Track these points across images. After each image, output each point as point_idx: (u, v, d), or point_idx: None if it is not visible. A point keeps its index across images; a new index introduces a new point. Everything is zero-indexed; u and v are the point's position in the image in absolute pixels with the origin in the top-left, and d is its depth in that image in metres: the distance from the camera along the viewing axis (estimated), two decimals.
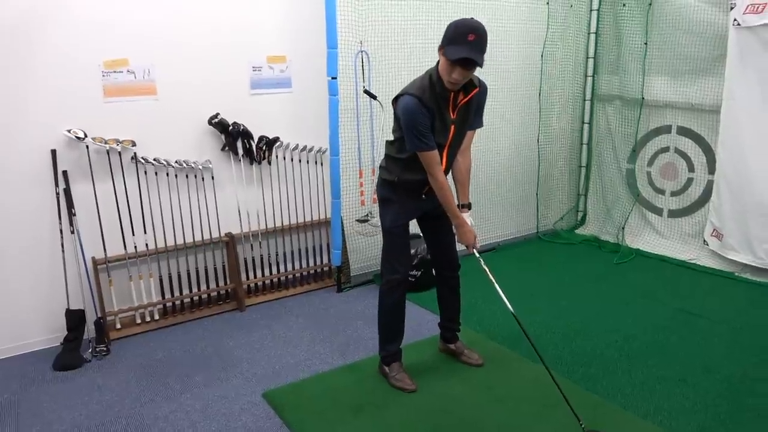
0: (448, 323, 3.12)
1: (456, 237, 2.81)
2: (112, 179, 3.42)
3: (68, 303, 3.34)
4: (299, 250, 4.20)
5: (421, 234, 3.04)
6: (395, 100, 2.61)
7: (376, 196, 4.08)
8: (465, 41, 2.34)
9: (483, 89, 2.66)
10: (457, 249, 2.97)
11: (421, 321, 3.56)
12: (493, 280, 2.72)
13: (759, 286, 4.01)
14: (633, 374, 2.95)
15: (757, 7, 3.80)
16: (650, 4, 4.46)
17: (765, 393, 2.74)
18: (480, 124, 2.77)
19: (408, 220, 2.83)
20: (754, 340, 3.26)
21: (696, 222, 4.60)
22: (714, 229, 4.37)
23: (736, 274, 4.21)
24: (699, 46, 4.29)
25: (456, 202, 2.73)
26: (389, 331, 2.91)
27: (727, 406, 2.65)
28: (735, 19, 3.92)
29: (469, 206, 2.82)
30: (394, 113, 2.63)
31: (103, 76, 3.33)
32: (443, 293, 3.08)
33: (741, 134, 4.05)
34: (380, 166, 2.85)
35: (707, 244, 4.45)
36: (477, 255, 2.76)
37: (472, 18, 2.44)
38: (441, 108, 2.54)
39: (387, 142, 2.80)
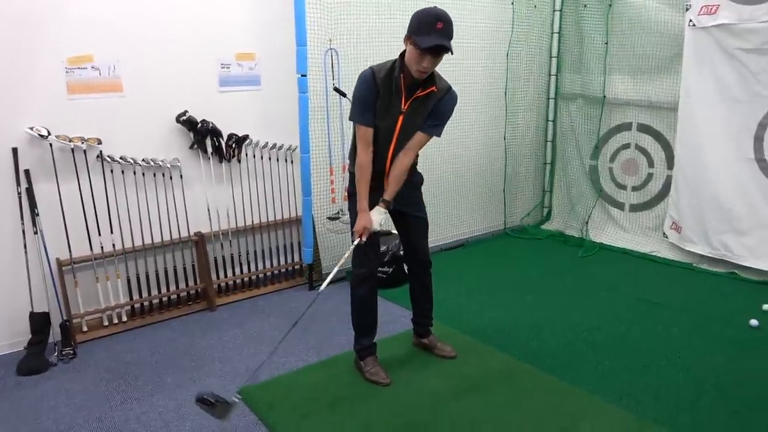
0: (421, 318, 3.16)
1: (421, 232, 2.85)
2: (77, 178, 3.34)
3: (32, 306, 3.25)
4: (270, 249, 4.18)
5: (396, 231, 3.07)
6: None
7: (347, 194, 4.11)
8: (434, 29, 2.39)
9: (450, 97, 2.67)
10: (429, 246, 3.03)
11: (394, 316, 3.59)
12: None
13: (716, 276, 4.19)
14: (599, 363, 3.04)
15: (711, 9, 3.97)
16: (610, 5, 4.61)
17: (724, 378, 2.87)
18: (436, 133, 2.73)
19: None
20: (713, 327, 3.40)
21: (656, 216, 4.77)
22: (673, 222, 4.54)
23: (695, 265, 4.38)
24: (657, 45, 4.45)
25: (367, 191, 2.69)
26: (361, 325, 2.94)
27: (688, 391, 2.76)
28: (690, 20, 4.09)
29: (386, 205, 2.73)
30: None
31: (67, 72, 3.25)
32: (415, 289, 3.12)
33: (697, 131, 4.22)
34: (349, 158, 2.88)
35: (667, 237, 4.62)
36: (355, 243, 2.72)
37: (435, 6, 2.48)
38: (392, 92, 2.58)
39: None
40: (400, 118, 2.63)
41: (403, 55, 2.56)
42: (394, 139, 2.68)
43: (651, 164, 4.76)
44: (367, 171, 2.65)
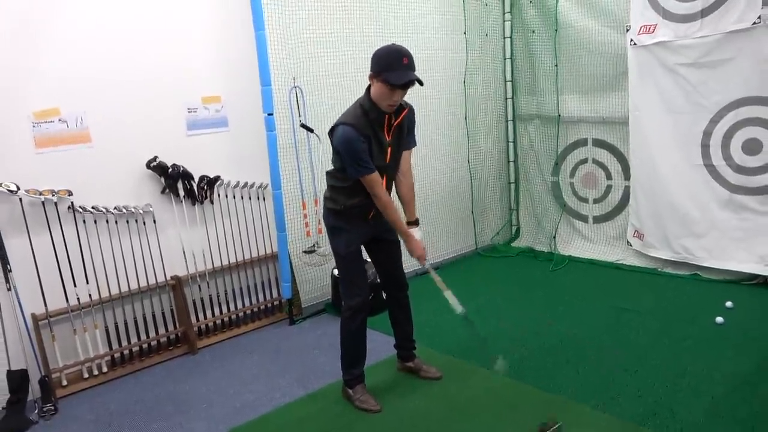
0: (404, 342, 3.22)
1: (408, 252, 2.93)
2: (49, 231, 3.33)
3: (9, 364, 3.18)
4: (248, 287, 4.19)
5: (369, 258, 3.14)
6: (331, 131, 2.73)
7: (321, 227, 4.19)
8: (401, 65, 2.54)
9: (411, 109, 2.86)
10: (405, 269, 3.12)
11: (376, 343, 3.62)
12: (444, 287, 2.91)
13: (679, 278, 4.38)
14: (579, 370, 3.15)
15: (649, 28, 4.25)
16: (556, 30, 4.87)
17: (695, 372, 3.01)
18: (414, 143, 2.94)
19: (360, 243, 2.94)
20: (681, 327, 3.56)
21: (619, 225, 4.97)
22: (635, 231, 4.74)
23: (659, 269, 4.57)
24: (603, 65, 4.71)
25: (404, 220, 2.87)
26: (353, 356, 2.98)
27: (665, 390, 2.88)
28: (631, 39, 4.36)
29: (416, 222, 2.96)
30: (332, 144, 2.74)
31: (34, 126, 3.26)
32: (395, 314, 3.17)
33: (648, 142, 4.46)
34: (324, 197, 2.94)
35: (631, 245, 4.81)
36: (427, 266, 2.90)
37: (394, 44, 2.66)
38: (377, 132, 2.70)
39: (328, 172, 2.90)
40: (389, 149, 2.77)
41: (368, 92, 2.68)
42: (385, 167, 2.80)
43: (609, 176, 4.98)
44: (393, 205, 2.81)
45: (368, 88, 2.69)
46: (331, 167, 2.87)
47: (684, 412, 2.66)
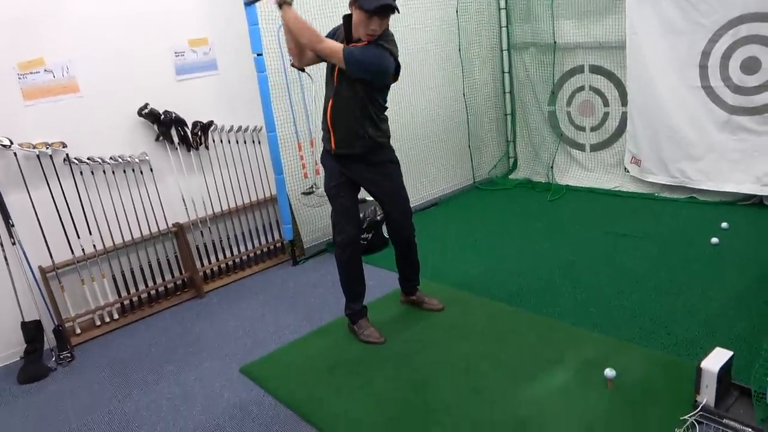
0: (407, 277, 3.27)
1: None
2: (47, 184, 3.32)
3: (22, 315, 3.26)
4: (250, 230, 4.23)
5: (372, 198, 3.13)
6: None
7: (318, 167, 4.19)
8: None
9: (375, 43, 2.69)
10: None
11: (379, 279, 3.71)
12: None
13: (676, 202, 4.42)
14: (577, 296, 3.23)
15: None
16: None
17: (691, 292, 3.09)
18: (351, 57, 2.75)
19: (336, 181, 2.90)
20: (677, 249, 3.63)
21: (616, 152, 4.97)
22: (632, 157, 4.74)
23: (656, 194, 4.61)
24: None
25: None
26: (350, 291, 3.05)
27: (661, 309, 2.97)
28: None
29: None
30: None
31: (20, 78, 3.20)
32: (400, 252, 3.16)
33: (646, 65, 4.38)
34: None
35: (628, 171, 4.82)
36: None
37: None
38: (337, 41, 2.69)
39: None
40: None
41: (348, 20, 2.63)
42: (335, 94, 2.75)
43: (606, 103, 4.93)
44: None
45: (348, 15, 2.65)
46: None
47: (680, 330, 2.76)
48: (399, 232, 3.04)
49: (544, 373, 2.56)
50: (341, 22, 2.73)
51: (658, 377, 2.42)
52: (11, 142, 3.15)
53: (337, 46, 2.60)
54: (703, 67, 4.09)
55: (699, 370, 2.12)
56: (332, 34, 2.78)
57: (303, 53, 2.79)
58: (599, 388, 2.41)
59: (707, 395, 2.11)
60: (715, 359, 2.12)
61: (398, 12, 2.53)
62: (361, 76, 2.63)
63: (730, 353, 2.14)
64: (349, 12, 2.66)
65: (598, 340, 2.76)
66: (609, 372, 2.40)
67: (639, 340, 2.73)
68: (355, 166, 2.86)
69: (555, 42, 4.92)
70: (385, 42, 2.65)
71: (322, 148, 2.96)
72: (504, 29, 5.29)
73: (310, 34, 2.61)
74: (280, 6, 2.59)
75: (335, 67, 2.69)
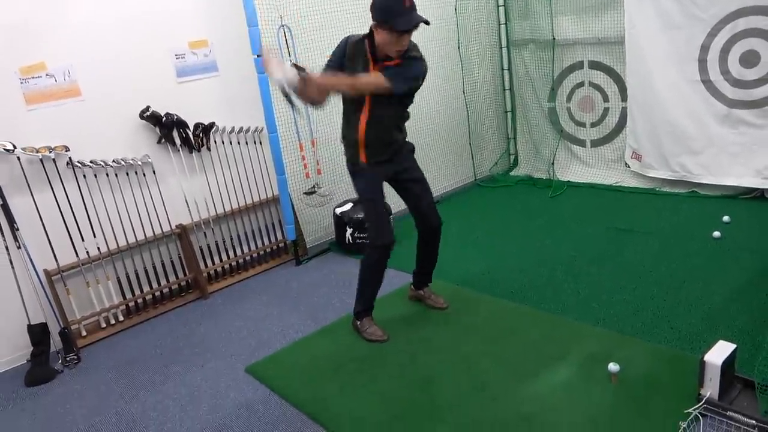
0: (424, 274, 3.28)
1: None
2: (51, 187, 3.34)
3: (28, 318, 3.28)
4: (253, 231, 4.25)
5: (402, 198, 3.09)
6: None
7: (319, 167, 4.21)
8: (404, 8, 2.46)
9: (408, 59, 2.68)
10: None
11: (386, 278, 3.71)
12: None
13: (677, 197, 4.43)
14: (580, 290, 3.25)
15: None
16: None
17: (693, 286, 3.11)
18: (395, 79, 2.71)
19: (371, 187, 2.88)
20: (679, 243, 3.64)
21: (617, 148, 4.97)
22: (633, 152, 4.75)
23: (657, 189, 4.62)
24: None
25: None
26: (368, 291, 3.04)
27: (662, 303, 2.99)
28: None
29: (301, 71, 2.53)
30: None
31: (22, 83, 3.22)
32: (423, 248, 3.17)
33: (645, 60, 4.39)
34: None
35: (629, 167, 4.83)
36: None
37: None
38: (357, 62, 2.64)
39: None
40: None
41: (371, 35, 2.60)
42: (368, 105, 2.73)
43: (606, 99, 4.93)
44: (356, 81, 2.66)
45: (371, 33, 2.60)
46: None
47: (682, 324, 2.77)
48: (431, 221, 3.03)
49: (548, 369, 2.57)
50: (346, 37, 2.71)
51: (662, 371, 2.44)
52: (14, 147, 3.17)
53: (377, 79, 2.56)
54: (702, 61, 4.10)
55: (702, 364, 2.13)
56: (341, 56, 2.69)
57: (324, 98, 2.69)
58: (603, 383, 2.42)
59: (711, 388, 2.12)
60: (718, 352, 2.13)
61: (427, 24, 2.51)
62: (406, 93, 2.67)
63: (733, 346, 2.16)
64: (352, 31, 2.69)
65: (601, 335, 2.78)
66: (612, 366, 2.41)
67: (642, 334, 2.74)
68: (387, 165, 2.88)
69: (554, 38, 4.93)
70: (413, 51, 2.65)
71: (346, 161, 2.93)
72: (503, 26, 5.30)
73: (344, 82, 2.59)
74: (303, 81, 2.46)
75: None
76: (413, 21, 2.47)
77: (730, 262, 3.30)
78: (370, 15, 2.55)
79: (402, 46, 2.54)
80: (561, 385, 2.46)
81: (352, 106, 2.76)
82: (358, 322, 3.09)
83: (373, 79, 2.59)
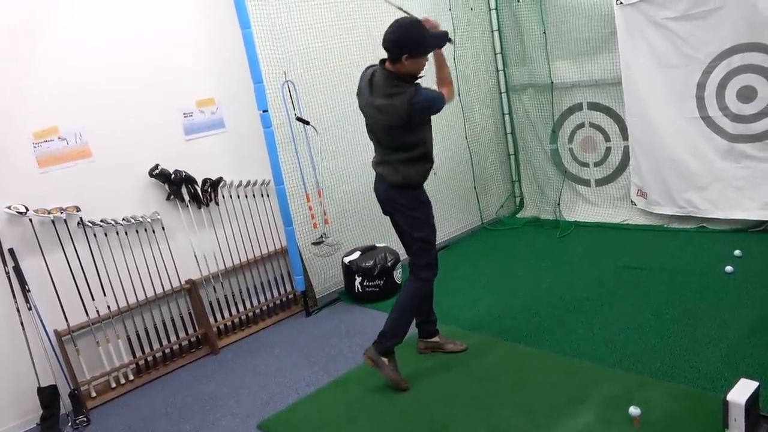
0: (429, 323, 3.25)
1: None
2: (62, 248, 3.38)
3: (38, 381, 3.25)
4: (262, 283, 4.25)
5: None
6: (388, 105, 2.73)
7: (327, 217, 4.24)
8: (426, 31, 2.70)
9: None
10: None
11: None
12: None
13: (685, 233, 4.41)
14: (594, 331, 3.20)
15: None
16: None
17: (709, 322, 3.05)
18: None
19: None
20: (692, 280, 3.60)
21: (621, 186, 4.99)
22: (638, 189, 4.76)
23: (665, 225, 4.60)
24: (591, 27, 4.69)
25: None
26: (406, 324, 2.98)
27: (679, 342, 2.93)
28: None
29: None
30: (400, 114, 2.70)
31: (35, 147, 3.30)
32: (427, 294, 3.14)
33: (643, 99, 4.46)
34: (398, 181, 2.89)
35: (635, 204, 4.84)
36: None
37: (399, 20, 2.72)
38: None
39: (393, 154, 2.84)
40: None
41: (389, 71, 2.75)
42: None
43: (607, 138, 4.99)
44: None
45: (385, 67, 2.77)
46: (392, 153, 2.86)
47: (702, 362, 2.71)
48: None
49: (567, 415, 2.51)
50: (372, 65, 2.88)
51: (684, 412, 2.37)
52: (27, 209, 3.22)
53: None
54: (700, 98, 4.16)
55: (725, 404, 2.07)
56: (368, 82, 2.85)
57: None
58: (624, 428, 2.35)
59: (736, 429, 2.06)
60: (741, 391, 2.08)
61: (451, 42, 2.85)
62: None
63: (755, 384, 2.10)
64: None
65: (619, 377, 2.72)
66: (633, 410, 2.35)
67: (661, 374, 2.68)
68: None
69: (552, 82, 5.03)
70: None
71: (416, 194, 2.96)
72: (501, 72, 5.42)
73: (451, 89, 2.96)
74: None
75: None
76: (442, 37, 2.77)
77: (744, 297, 3.26)
78: (395, 52, 2.68)
79: (423, 66, 2.79)
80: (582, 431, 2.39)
81: (427, 128, 2.90)
82: (385, 359, 2.95)
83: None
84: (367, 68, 2.92)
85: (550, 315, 3.49)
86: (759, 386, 2.10)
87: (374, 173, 2.98)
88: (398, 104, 2.68)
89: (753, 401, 2.06)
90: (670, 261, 3.95)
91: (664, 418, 2.36)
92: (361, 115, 2.94)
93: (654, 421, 2.35)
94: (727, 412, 2.07)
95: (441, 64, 2.95)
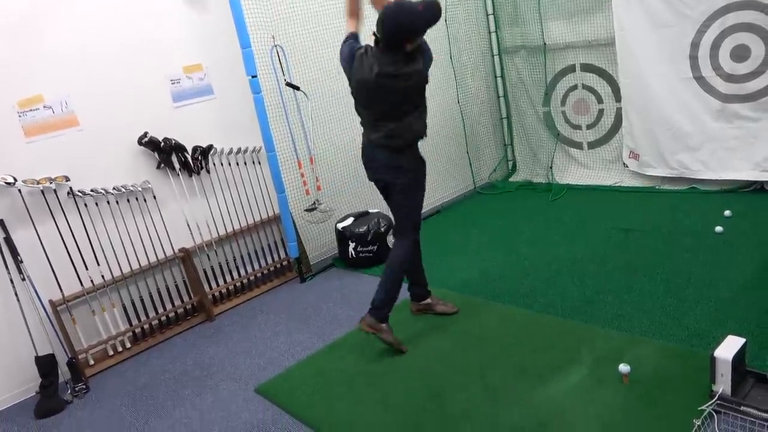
0: (419, 280, 3.28)
1: None
2: (53, 218, 3.35)
3: (35, 350, 3.27)
4: (256, 251, 4.25)
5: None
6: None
7: (319, 184, 4.22)
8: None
9: None
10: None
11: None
12: None
13: (677, 194, 4.44)
14: (585, 292, 3.24)
15: None
16: None
17: (698, 282, 3.10)
18: None
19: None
20: (682, 240, 3.63)
21: (614, 148, 4.99)
22: (630, 151, 4.76)
23: (657, 187, 4.62)
24: None
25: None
26: (396, 288, 2.98)
27: (670, 301, 2.98)
28: None
29: None
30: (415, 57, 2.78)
31: (20, 116, 3.24)
32: (415, 256, 3.17)
33: (636, 60, 4.42)
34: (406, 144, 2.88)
35: (627, 166, 4.84)
36: None
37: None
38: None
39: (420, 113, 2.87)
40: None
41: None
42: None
43: (600, 100, 4.96)
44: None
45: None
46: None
47: (691, 321, 2.76)
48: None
49: (560, 374, 2.56)
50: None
51: (673, 369, 2.43)
52: (15, 180, 3.18)
53: None
54: (694, 58, 4.12)
55: (713, 360, 2.12)
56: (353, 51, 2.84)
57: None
58: (615, 384, 2.41)
59: (723, 384, 2.11)
60: (728, 347, 2.12)
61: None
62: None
63: (742, 340, 2.15)
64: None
65: (610, 336, 2.77)
66: (623, 367, 2.40)
67: (651, 333, 2.73)
68: None
69: (545, 43, 4.97)
70: None
71: (416, 154, 2.94)
72: (493, 34, 5.34)
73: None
74: None
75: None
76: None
77: (734, 257, 3.30)
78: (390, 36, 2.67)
79: None
80: (574, 389, 2.45)
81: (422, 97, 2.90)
82: (384, 325, 2.96)
83: None
84: (354, 49, 2.85)
85: (542, 277, 3.53)
86: (746, 343, 2.15)
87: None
88: (419, 66, 2.78)
89: (740, 357, 2.11)
90: (661, 222, 3.98)
91: (653, 374, 2.41)
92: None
93: (644, 377, 2.40)
94: (714, 367, 2.12)
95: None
